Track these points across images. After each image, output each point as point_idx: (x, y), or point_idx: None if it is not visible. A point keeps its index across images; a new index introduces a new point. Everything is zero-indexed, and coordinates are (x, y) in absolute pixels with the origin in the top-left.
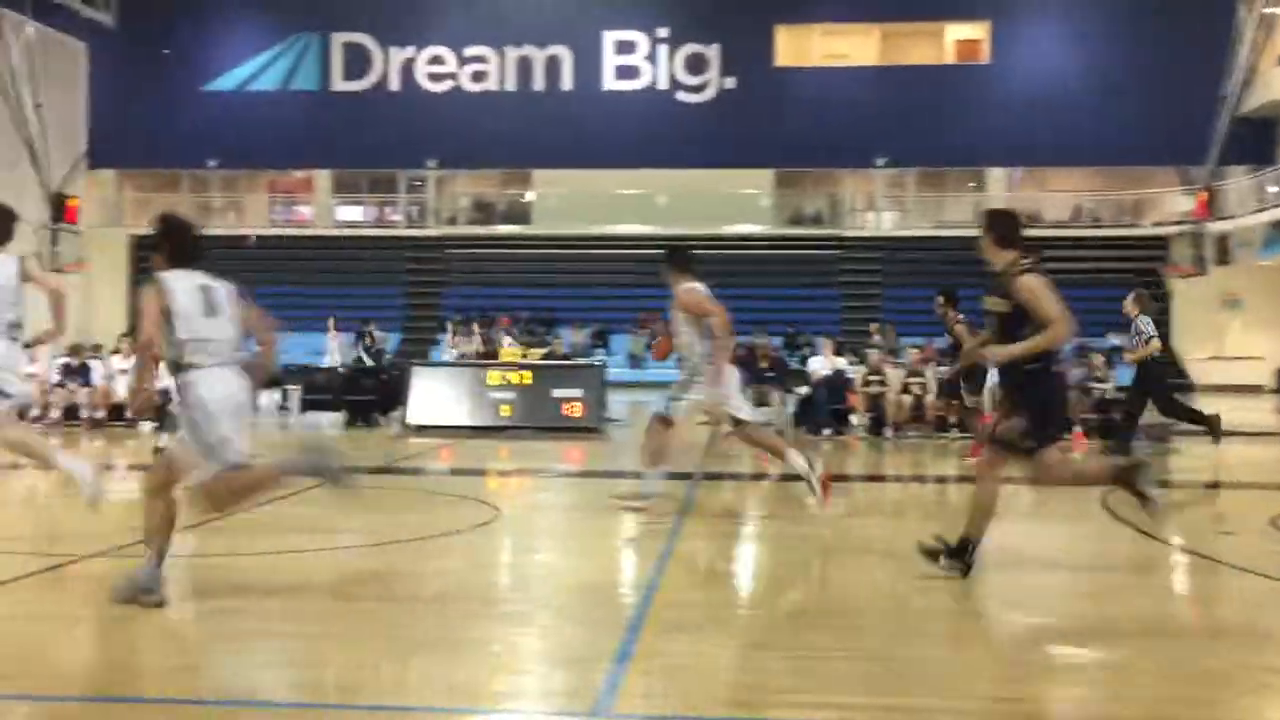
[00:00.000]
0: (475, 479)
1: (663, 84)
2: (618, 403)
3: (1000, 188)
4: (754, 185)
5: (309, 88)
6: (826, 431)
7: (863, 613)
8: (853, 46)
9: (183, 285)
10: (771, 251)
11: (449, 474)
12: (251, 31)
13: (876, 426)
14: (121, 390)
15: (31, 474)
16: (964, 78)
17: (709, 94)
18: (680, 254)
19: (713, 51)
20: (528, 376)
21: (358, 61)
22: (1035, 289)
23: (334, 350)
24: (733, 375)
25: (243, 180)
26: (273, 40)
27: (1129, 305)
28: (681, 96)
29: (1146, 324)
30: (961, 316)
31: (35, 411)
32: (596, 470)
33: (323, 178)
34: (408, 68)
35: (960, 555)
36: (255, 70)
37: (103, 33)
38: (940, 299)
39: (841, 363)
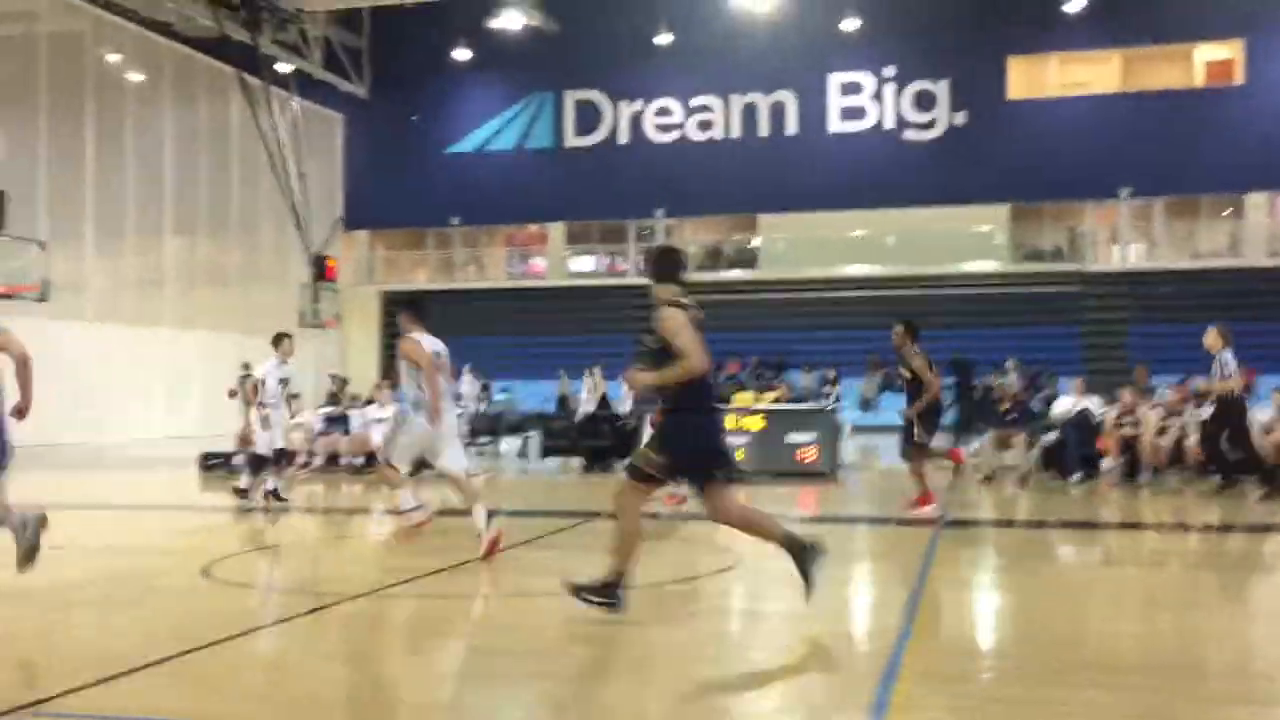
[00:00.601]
0: (710, 524)
1: (889, 123)
2: (851, 446)
3: (1260, 214)
4: (988, 221)
5: (543, 145)
6: (1076, 476)
7: (1137, 669)
8: (1093, 74)
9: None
10: (1008, 289)
11: (683, 519)
12: (490, 95)
13: (1131, 471)
14: (377, 437)
15: (296, 518)
16: (1216, 100)
17: (938, 131)
18: (415, 306)
19: (941, 88)
20: (760, 421)
21: (588, 117)
22: (670, 323)
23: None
24: (449, 423)
25: (482, 236)
26: (509, 102)
27: (1211, 338)
28: (909, 135)
29: (1230, 359)
30: (919, 349)
31: (302, 459)
32: (832, 516)
33: (556, 230)
34: (636, 120)
35: (607, 592)
36: (493, 131)
37: (357, 104)
38: (899, 329)
39: (1090, 404)
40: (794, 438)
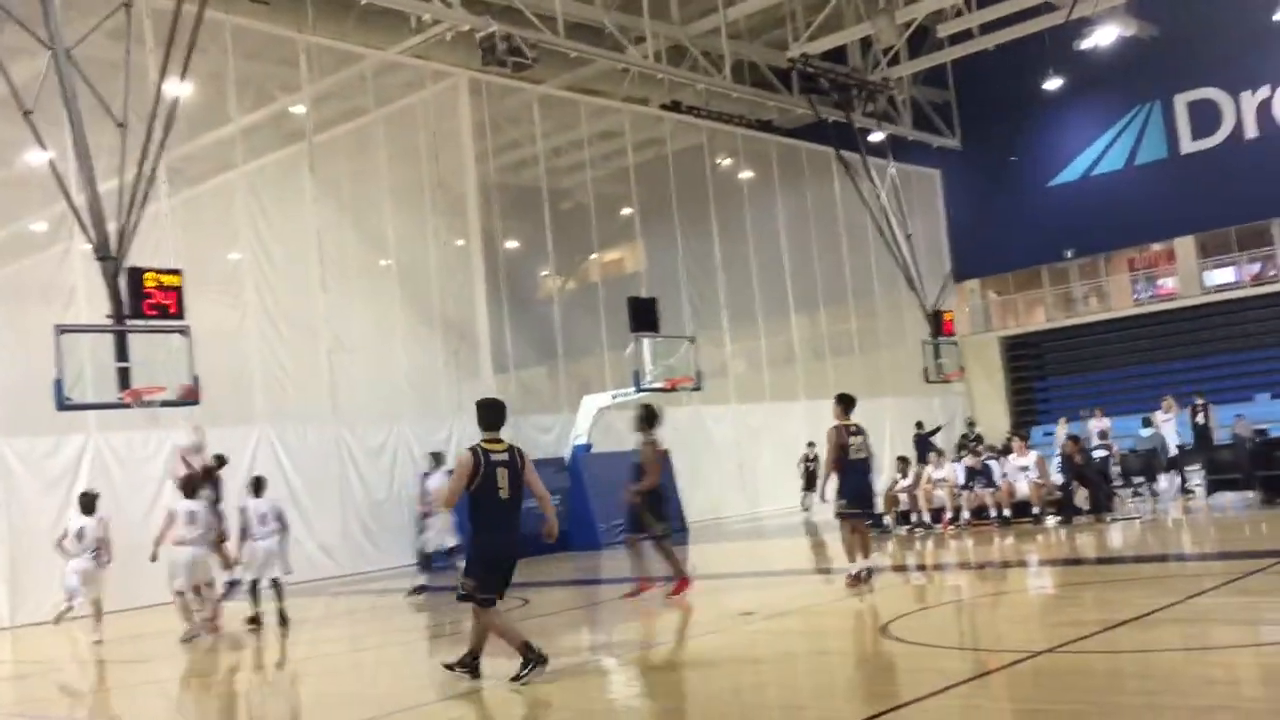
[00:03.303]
0: None
1: None
2: None
3: None
4: None
5: (1155, 157)
6: None
7: None
8: None
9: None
10: None
11: None
12: (1088, 118)
13: None
14: (1023, 487)
15: (954, 575)
16: None
17: None
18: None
19: None
20: None
21: (1205, 117)
22: (455, 466)
23: (1164, 428)
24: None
25: (1100, 264)
26: (1111, 121)
27: None
28: None
29: None
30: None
31: (949, 514)
32: None
33: (1184, 245)
34: (1264, 110)
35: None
36: (1097, 155)
37: (952, 156)
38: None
39: None
40: None
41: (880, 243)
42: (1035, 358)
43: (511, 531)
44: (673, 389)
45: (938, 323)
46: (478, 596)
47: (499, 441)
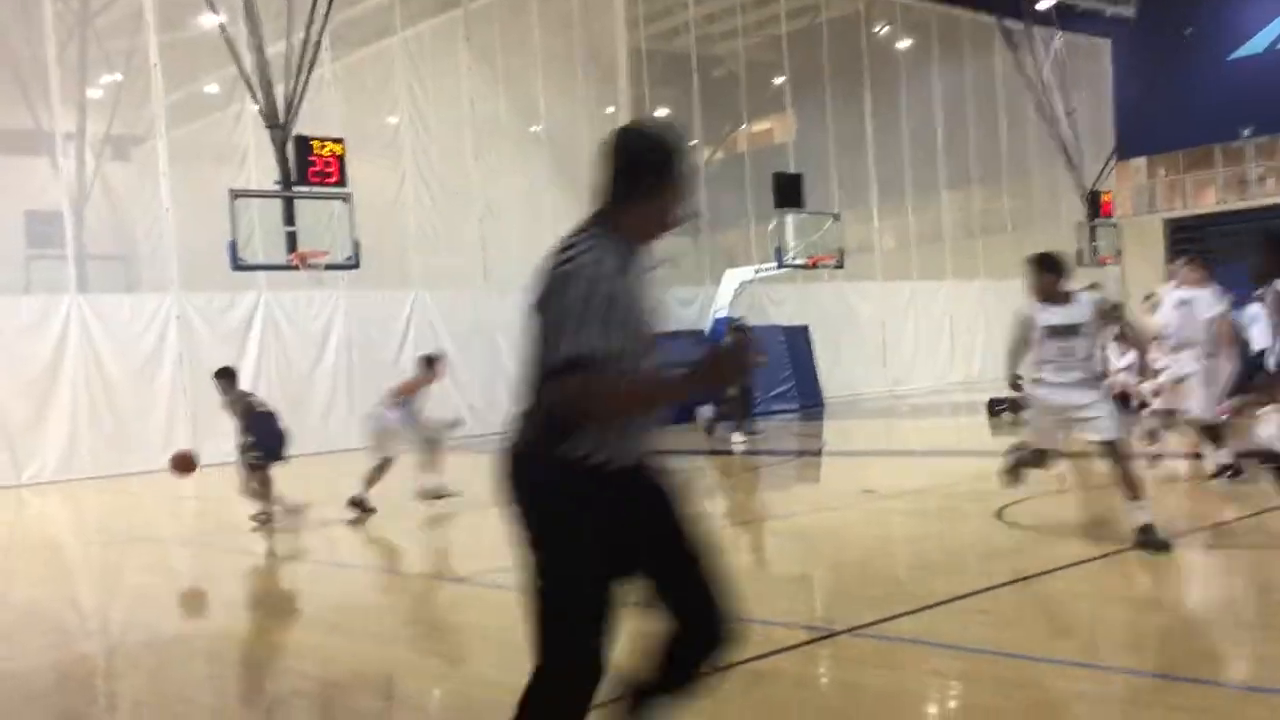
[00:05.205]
0: None
1: None
2: None
3: None
4: None
5: None
6: None
7: None
8: None
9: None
10: None
11: None
12: None
13: None
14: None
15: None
16: None
17: None
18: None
19: None
20: None
21: None
22: None
23: None
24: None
25: None
26: None
27: None
28: None
29: None
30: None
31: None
32: None
33: None
34: None
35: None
36: None
37: (1124, 26)
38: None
39: None
40: None
41: (1040, 119)
42: (1200, 240)
43: None
44: (814, 266)
45: (1095, 203)
46: None
47: None
